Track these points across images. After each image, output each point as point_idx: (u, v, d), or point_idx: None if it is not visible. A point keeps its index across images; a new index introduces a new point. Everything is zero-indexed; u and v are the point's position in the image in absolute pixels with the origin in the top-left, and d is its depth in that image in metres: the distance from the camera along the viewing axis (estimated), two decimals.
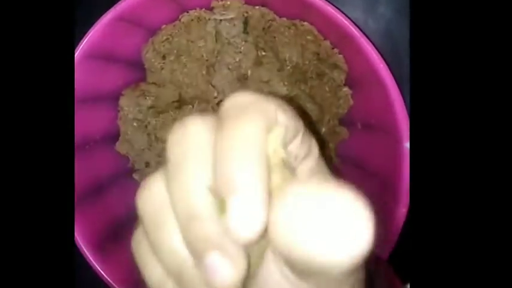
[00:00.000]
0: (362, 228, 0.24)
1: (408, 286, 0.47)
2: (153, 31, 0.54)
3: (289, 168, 0.27)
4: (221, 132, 0.26)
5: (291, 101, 0.50)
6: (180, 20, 0.53)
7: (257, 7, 0.51)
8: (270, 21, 0.52)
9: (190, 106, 0.52)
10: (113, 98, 0.54)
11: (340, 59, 0.51)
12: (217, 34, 0.52)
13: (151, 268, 0.31)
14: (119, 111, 0.55)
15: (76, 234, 0.50)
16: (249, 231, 0.24)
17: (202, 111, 0.52)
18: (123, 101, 0.54)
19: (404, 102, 0.45)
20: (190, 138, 0.28)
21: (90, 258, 0.50)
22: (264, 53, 0.51)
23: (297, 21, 0.51)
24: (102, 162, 0.55)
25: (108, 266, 0.50)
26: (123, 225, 0.55)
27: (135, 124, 0.54)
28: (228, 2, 0.51)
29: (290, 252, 0.24)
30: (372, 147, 0.51)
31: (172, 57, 0.53)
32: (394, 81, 0.45)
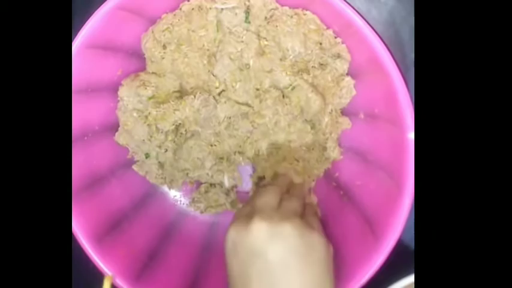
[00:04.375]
0: None
1: (413, 277, 0.47)
2: (153, 20, 0.53)
3: None
4: None
5: (293, 91, 0.50)
6: (180, 9, 0.52)
7: None
8: (272, 10, 0.51)
9: (192, 96, 0.51)
10: (113, 88, 0.54)
11: (343, 48, 0.51)
12: (219, 23, 0.51)
13: None
14: (118, 101, 0.54)
15: (74, 225, 0.49)
16: None
17: (204, 101, 0.51)
18: (122, 91, 0.53)
19: (408, 91, 0.45)
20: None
21: (88, 250, 0.50)
22: (266, 43, 0.51)
23: (299, 10, 0.51)
24: (101, 153, 0.55)
25: (106, 257, 0.50)
26: (122, 217, 0.54)
27: (135, 114, 0.53)
28: None
29: None
30: (376, 138, 0.50)
31: (172, 47, 0.52)
32: (397, 70, 0.45)
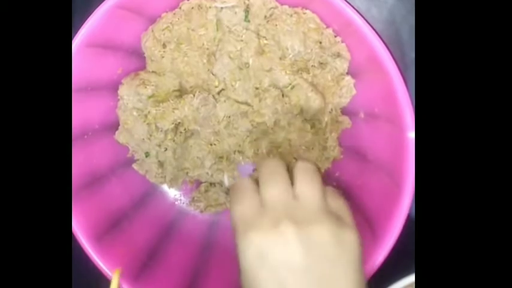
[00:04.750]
0: None
1: (413, 277, 0.46)
2: (153, 19, 0.53)
3: None
4: None
5: (293, 90, 0.50)
6: (180, 8, 0.52)
7: None
8: (272, 9, 0.51)
9: (191, 95, 0.51)
10: (112, 87, 0.54)
11: (342, 47, 0.51)
12: (218, 22, 0.51)
13: None
14: (118, 100, 0.54)
15: (74, 224, 0.49)
16: None
17: (203, 100, 0.51)
18: (122, 90, 0.53)
19: (408, 91, 0.45)
20: None
21: (88, 249, 0.50)
22: (265, 42, 0.51)
23: (299, 9, 0.51)
24: (101, 152, 0.55)
25: (106, 256, 0.50)
26: (121, 216, 0.54)
27: (134, 113, 0.53)
28: None
29: None
30: (376, 137, 0.50)
31: (172, 46, 0.52)
32: (397, 69, 0.45)
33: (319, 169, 0.49)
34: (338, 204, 0.42)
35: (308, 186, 0.41)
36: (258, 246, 0.38)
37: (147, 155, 0.55)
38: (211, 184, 0.57)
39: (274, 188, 0.41)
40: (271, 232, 0.38)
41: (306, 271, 0.37)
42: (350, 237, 0.39)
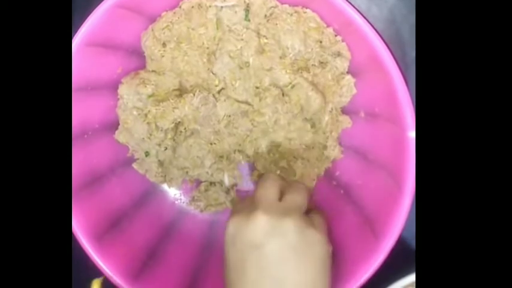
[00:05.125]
0: None
1: (413, 276, 0.46)
2: (153, 18, 0.53)
3: None
4: None
5: (293, 89, 0.50)
6: (180, 7, 0.52)
7: None
8: (272, 8, 0.51)
9: (191, 94, 0.51)
10: (112, 86, 0.54)
11: (343, 46, 0.51)
12: (219, 21, 0.51)
13: None
14: (118, 99, 0.54)
15: (74, 224, 0.49)
16: None
17: (203, 99, 0.51)
18: (122, 89, 0.53)
19: (409, 90, 0.45)
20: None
21: (88, 248, 0.50)
22: (265, 41, 0.51)
23: (299, 8, 0.51)
24: (100, 151, 0.55)
25: (105, 256, 0.50)
26: (121, 215, 0.54)
27: (134, 113, 0.53)
28: None
29: None
30: (376, 136, 0.50)
31: (172, 45, 0.52)
32: (398, 68, 0.45)
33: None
34: (317, 217, 0.45)
35: (294, 194, 0.45)
36: (232, 230, 0.43)
37: (147, 154, 0.55)
38: (211, 183, 0.57)
39: (261, 190, 0.44)
40: (245, 217, 0.42)
41: (265, 253, 0.40)
42: (318, 238, 0.42)
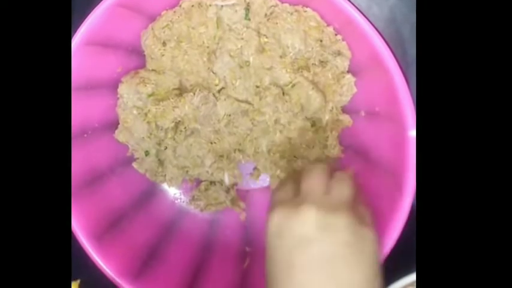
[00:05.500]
0: None
1: (414, 275, 0.46)
2: (153, 17, 0.53)
3: None
4: None
5: (293, 88, 0.50)
6: (180, 6, 0.52)
7: None
8: (272, 7, 0.51)
9: (191, 93, 0.51)
10: (112, 86, 0.54)
11: (343, 45, 0.51)
12: (219, 20, 0.51)
13: None
14: (118, 98, 0.54)
15: (73, 223, 0.49)
16: None
17: (203, 98, 0.51)
18: (122, 89, 0.53)
19: (409, 89, 0.45)
20: None
21: (88, 248, 0.50)
22: (266, 40, 0.51)
23: (299, 7, 0.51)
24: (100, 150, 0.54)
25: (105, 255, 0.50)
26: (121, 215, 0.54)
27: (134, 112, 0.53)
28: None
29: None
30: (376, 136, 0.50)
31: (172, 44, 0.52)
32: (398, 67, 0.45)
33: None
34: (365, 210, 0.43)
35: (341, 185, 0.42)
36: (278, 222, 0.40)
37: (147, 153, 0.55)
38: (212, 183, 0.57)
39: (309, 181, 0.42)
40: (292, 211, 0.39)
41: (316, 250, 0.38)
42: (368, 235, 0.40)
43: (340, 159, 0.54)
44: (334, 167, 0.46)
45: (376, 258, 0.40)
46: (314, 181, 0.42)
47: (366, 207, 0.44)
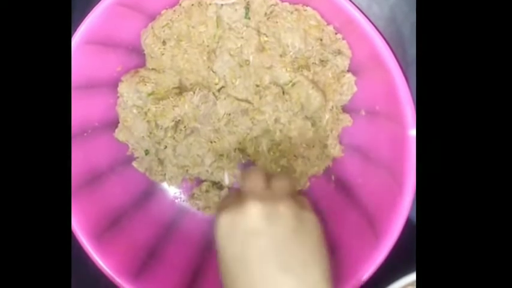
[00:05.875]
0: None
1: (414, 275, 0.46)
2: (153, 16, 0.53)
3: None
4: None
5: (293, 88, 0.50)
6: (180, 5, 0.52)
7: None
8: (272, 6, 0.51)
9: (191, 92, 0.51)
10: (112, 84, 0.54)
11: (343, 44, 0.51)
12: (219, 19, 0.51)
13: None
14: (118, 97, 0.54)
15: (73, 222, 0.49)
16: None
17: (203, 97, 0.51)
18: (122, 88, 0.53)
19: (410, 88, 0.45)
20: None
21: (88, 247, 0.50)
22: (266, 39, 0.51)
23: (299, 6, 0.51)
24: (100, 149, 0.54)
25: (105, 254, 0.50)
26: (121, 214, 0.54)
27: (134, 111, 0.53)
28: None
29: None
30: (377, 135, 0.50)
31: (172, 43, 0.52)
32: (398, 67, 0.45)
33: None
34: (302, 197, 0.45)
35: (280, 181, 0.44)
36: (225, 224, 0.41)
37: (146, 152, 0.55)
38: (213, 185, 0.57)
39: (248, 182, 0.44)
40: (238, 210, 0.41)
41: (268, 238, 0.40)
42: (309, 216, 0.42)
43: (340, 159, 0.54)
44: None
45: (319, 236, 0.42)
46: (253, 181, 0.44)
47: (302, 196, 0.46)
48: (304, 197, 0.45)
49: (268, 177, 0.45)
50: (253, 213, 0.40)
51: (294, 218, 0.40)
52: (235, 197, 0.44)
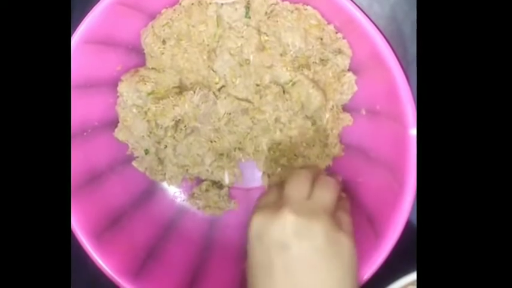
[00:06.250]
0: None
1: (415, 274, 0.46)
2: (153, 15, 0.53)
3: None
4: None
5: (293, 87, 0.50)
6: (180, 4, 0.52)
7: None
8: (273, 5, 0.51)
9: (191, 92, 0.51)
10: (112, 84, 0.53)
11: (344, 43, 0.51)
12: (219, 18, 0.51)
13: None
14: (117, 97, 0.54)
15: (73, 222, 0.49)
16: None
17: (204, 96, 0.51)
18: (122, 87, 0.53)
19: (410, 87, 0.45)
20: None
21: (87, 246, 0.50)
22: (266, 38, 0.51)
23: (300, 5, 0.50)
24: (100, 149, 0.54)
25: (105, 254, 0.50)
26: (121, 214, 0.54)
27: (134, 110, 0.53)
28: None
29: None
30: (377, 134, 0.50)
31: (172, 42, 0.52)
32: (399, 66, 0.45)
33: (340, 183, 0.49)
34: (344, 217, 0.44)
35: (323, 190, 0.44)
36: (258, 226, 0.42)
37: (146, 152, 0.55)
38: (214, 184, 0.57)
39: (292, 186, 0.44)
40: (272, 215, 0.41)
41: (294, 255, 0.40)
42: (343, 241, 0.41)
43: (340, 159, 0.54)
44: (319, 173, 0.48)
45: (352, 265, 0.41)
46: (296, 186, 0.44)
47: (347, 214, 0.45)
48: (347, 217, 0.45)
49: (314, 181, 0.45)
50: (285, 225, 0.40)
51: (326, 239, 0.40)
52: (275, 197, 0.44)
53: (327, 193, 0.44)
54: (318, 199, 0.43)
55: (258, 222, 0.42)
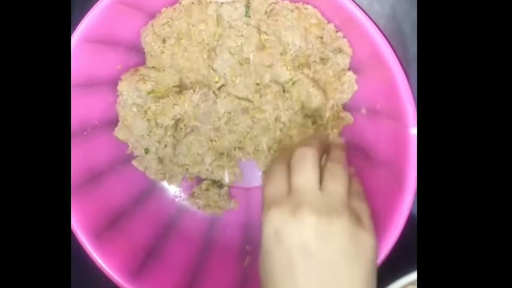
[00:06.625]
0: None
1: (415, 273, 0.46)
2: (153, 14, 0.53)
3: None
4: None
5: (294, 86, 0.50)
6: (180, 3, 0.52)
7: None
8: (273, 4, 0.51)
9: (191, 91, 0.51)
10: (112, 83, 0.53)
11: (344, 42, 0.51)
12: (219, 17, 0.51)
13: None
14: (117, 96, 0.54)
15: (73, 221, 0.49)
16: None
17: (203, 95, 0.51)
18: (122, 86, 0.53)
19: (410, 86, 0.45)
20: None
21: (87, 246, 0.50)
22: (266, 37, 0.51)
23: (300, 4, 0.50)
24: (100, 148, 0.54)
25: (105, 253, 0.50)
26: (121, 213, 0.54)
27: (134, 109, 0.53)
28: None
29: None
30: (377, 133, 0.50)
31: (172, 41, 0.52)
32: (399, 65, 0.45)
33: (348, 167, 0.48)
34: (360, 205, 0.43)
35: (334, 181, 0.42)
36: (276, 225, 0.40)
37: (146, 151, 0.55)
38: (214, 184, 0.57)
39: (302, 176, 0.42)
40: (291, 215, 0.40)
41: (317, 258, 0.39)
42: (365, 238, 0.40)
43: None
44: (325, 145, 0.47)
45: (373, 261, 0.41)
46: (306, 176, 0.42)
47: (362, 200, 0.44)
48: (365, 205, 0.44)
49: (322, 167, 0.43)
50: (306, 228, 0.39)
51: (349, 240, 0.39)
52: (285, 186, 0.42)
53: (339, 184, 0.42)
54: (332, 192, 0.42)
55: (274, 220, 0.40)
